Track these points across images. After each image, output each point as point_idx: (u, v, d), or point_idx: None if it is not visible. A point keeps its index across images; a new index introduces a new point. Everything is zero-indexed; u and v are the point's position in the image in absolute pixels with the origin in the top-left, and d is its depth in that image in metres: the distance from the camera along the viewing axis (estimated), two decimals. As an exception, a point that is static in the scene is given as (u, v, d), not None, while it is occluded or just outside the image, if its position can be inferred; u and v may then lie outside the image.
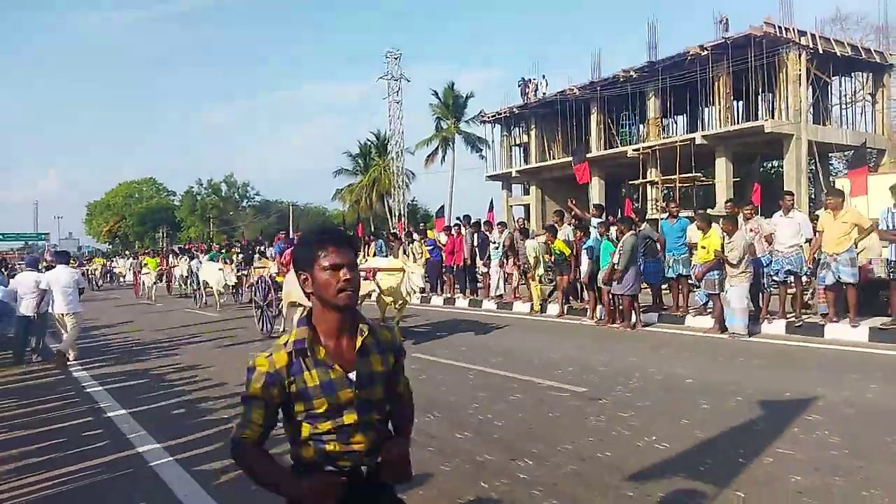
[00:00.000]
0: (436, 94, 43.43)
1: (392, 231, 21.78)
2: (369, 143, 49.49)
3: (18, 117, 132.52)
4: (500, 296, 14.05)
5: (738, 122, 26.85)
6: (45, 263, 14.25)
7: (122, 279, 32.90)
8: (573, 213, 12.54)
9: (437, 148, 43.98)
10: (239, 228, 60.30)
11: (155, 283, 22.19)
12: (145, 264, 23.45)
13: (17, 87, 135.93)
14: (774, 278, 9.47)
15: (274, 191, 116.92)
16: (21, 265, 11.31)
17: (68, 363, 9.02)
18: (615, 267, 9.97)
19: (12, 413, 6.42)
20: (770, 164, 34.63)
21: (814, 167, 26.71)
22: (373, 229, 30.92)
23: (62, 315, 9.46)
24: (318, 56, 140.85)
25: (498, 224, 15.84)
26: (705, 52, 25.41)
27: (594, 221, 11.24)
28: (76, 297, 9.54)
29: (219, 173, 71.64)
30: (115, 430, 5.60)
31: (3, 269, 12.67)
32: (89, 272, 29.68)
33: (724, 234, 9.03)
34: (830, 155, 29.75)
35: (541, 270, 12.80)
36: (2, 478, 4.45)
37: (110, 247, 69.10)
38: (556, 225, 12.38)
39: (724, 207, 10.60)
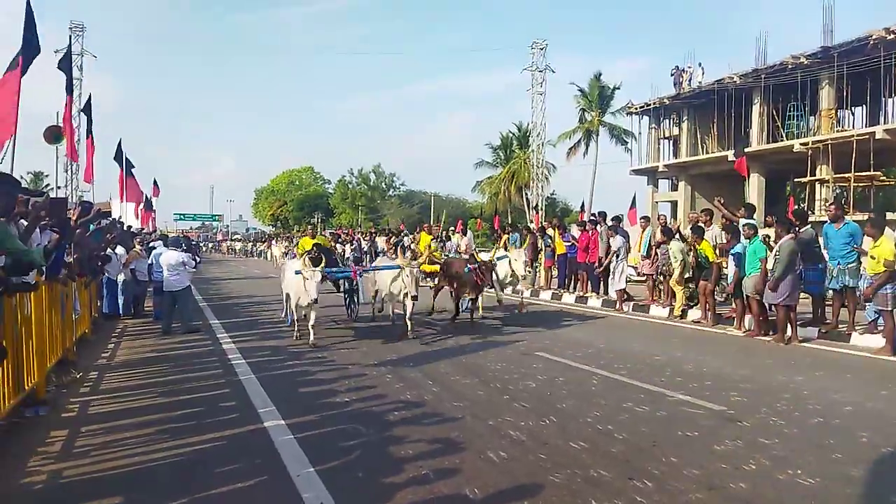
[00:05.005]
0: (580, 90, 42.23)
1: (527, 224, 21.52)
2: (511, 134, 49.40)
3: (200, 108, 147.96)
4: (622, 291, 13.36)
5: (929, 115, 23.43)
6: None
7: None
8: (722, 213, 11.56)
9: (580, 140, 42.86)
10: (385, 216, 62.89)
11: (283, 255, 26.53)
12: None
13: (197, 84, 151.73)
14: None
15: (418, 181, 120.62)
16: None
17: None
18: (770, 274, 9.06)
19: (167, 378, 7.08)
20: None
21: None
22: (509, 221, 30.76)
23: None
24: (467, 47, 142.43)
25: (641, 219, 15.08)
26: (892, 36, 22.35)
27: (742, 223, 10.26)
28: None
29: (368, 163, 75.25)
30: (248, 402, 5.97)
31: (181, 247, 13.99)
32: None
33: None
34: None
35: (687, 273, 11.91)
36: (141, 440, 4.88)
37: (273, 229, 75.07)
38: (703, 225, 11.48)
39: None
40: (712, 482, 4.02)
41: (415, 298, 9.31)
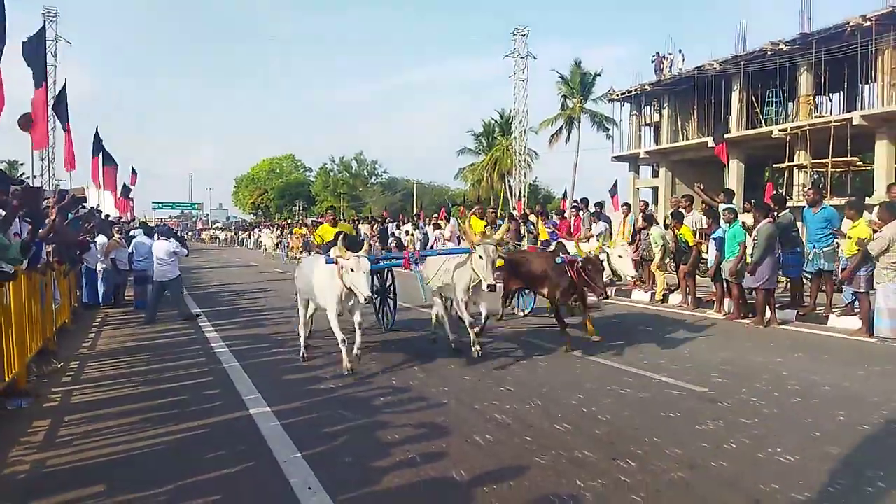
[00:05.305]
0: (562, 77, 42.16)
1: (510, 211, 21.58)
2: (493, 122, 49.33)
3: (179, 95, 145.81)
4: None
5: (904, 101, 23.72)
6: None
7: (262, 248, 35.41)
8: (702, 199, 11.69)
9: (562, 127, 42.89)
10: (367, 204, 62.60)
11: (274, 246, 30.30)
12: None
13: (177, 72, 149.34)
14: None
15: (400, 168, 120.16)
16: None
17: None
18: (748, 258, 9.20)
19: (149, 367, 7.03)
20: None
21: None
22: (491, 208, 30.84)
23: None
24: (446, 35, 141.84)
25: (623, 205, 15.16)
26: (868, 23, 22.59)
27: (722, 207, 10.39)
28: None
29: (350, 151, 74.74)
30: (233, 390, 5.95)
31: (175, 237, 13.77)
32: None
33: (877, 221, 8.02)
34: None
35: (667, 259, 12.05)
36: (124, 429, 4.85)
37: (254, 217, 74.46)
38: (683, 211, 11.60)
39: (887, 194, 9.34)
40: (694, 461, 4.10)
41: (491, 288, 6.62)
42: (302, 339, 7.53)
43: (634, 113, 36.22)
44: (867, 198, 17.82)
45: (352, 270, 6.25)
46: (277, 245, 30.91)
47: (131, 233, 14.13)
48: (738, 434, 4.60)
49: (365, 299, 6.17)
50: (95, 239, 11.59)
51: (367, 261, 6.36)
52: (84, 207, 13.44)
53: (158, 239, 10.94)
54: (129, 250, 12.03)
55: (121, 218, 23.46)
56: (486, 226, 9.60)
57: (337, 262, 6.43)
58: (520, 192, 37.38)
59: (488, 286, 6.55)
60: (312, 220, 36.59)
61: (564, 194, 25.95)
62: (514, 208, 29.35)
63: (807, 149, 25.24)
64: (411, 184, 62.90)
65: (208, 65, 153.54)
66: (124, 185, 30.66)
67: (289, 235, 29.16)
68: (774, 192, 12.93)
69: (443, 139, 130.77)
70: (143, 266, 11.73)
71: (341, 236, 7.03)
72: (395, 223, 25.06)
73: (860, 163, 24.99)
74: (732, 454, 4.23)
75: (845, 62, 24.48)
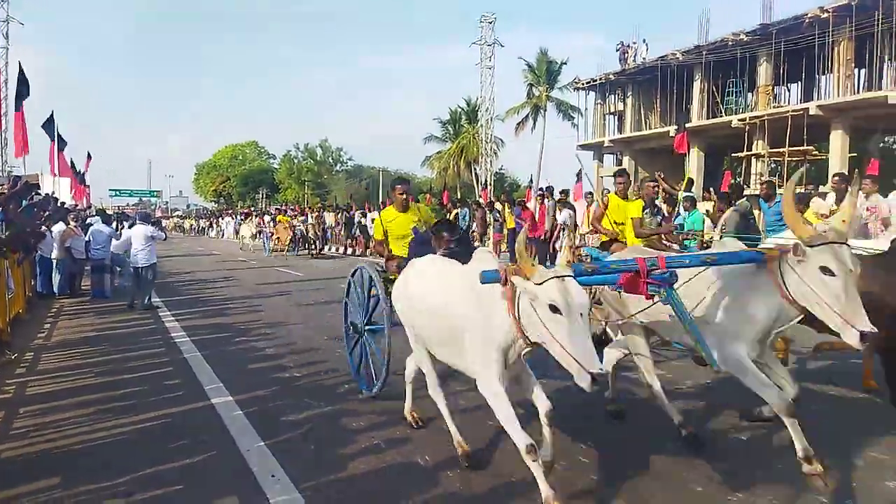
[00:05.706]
0: (528, 65, 42.22)
1: (476, 199, 21.66)
2: (460, 109, 49.19)
3: (137, 81, 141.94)
4: None
5: (858, 92, 24.49)
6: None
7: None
8: (662, 187, 11.92)
9: (528, 116, 43.03)
10: (332, 192, 62.00)
11: (253, 236, 27.96)
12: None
13: (129, 57, 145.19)
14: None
15: (366, 156, 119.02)
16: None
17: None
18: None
19: (107, 358, 6.89)
20: (893, 140, 31.54)
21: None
22: (458, 197, 30.87)
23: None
24: (413, 22, 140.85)
25: (586, 194, 15.38)
26: (826, 15, 23.22)
27: (681, 195, 10.62)
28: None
29: (315, 138, 73.77)
30: (195, 380, 5.88)
31: (120, 223, 13.57)
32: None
33: (825, 213, 8.31)
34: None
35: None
36: (81, 420, 4.76)
37: (216, 205, 73.11)
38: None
39: (832, 183, 9.67)
40: (652, 442, 4.22)
41: (864, 340, 3.01)
42: (408, 399, 4.70)
43: (599, 102, 36.59)
44: (821, 186, 18.42)
45: (553, 310, 3.01)
46: (256, 236, 28.18)
47: (88, 220, 13.76)
48: (693, 416, 4.75)
49: (595, 377, 2.96)
50: (52, 227, 11.27)
51: (583, 291, 3.10)
52: (38, 194, 13.03)
53: (136, 223, 10.76)
54: (86, 238, 11.73)
55: (76, 205, 22.82)
56: (643, 210, 6.62)
57: (510, 285, 3.20)
58: (486, 180, 37.47)
59: (861, 335, 3.00)
60: (276, 208, 36.08)
61: (530, 182, 26.09)
62: (480, 196, 29.47)
63: (765, 138, 25.87)
64: (377, 171, 62.47)
65: (169, 49, 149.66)
66: (79, 172, 29.80)
67: (271, 225, 26.24)
68: (732, 181, 13.25)
69: (409, 127, 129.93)
70: (100, 255, 11.46)
71: (439, 224, 4.58)
72: (361, 211, 24.87)
73: (816, 152, 25.72)
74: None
75: (803, 53, 25.11)
